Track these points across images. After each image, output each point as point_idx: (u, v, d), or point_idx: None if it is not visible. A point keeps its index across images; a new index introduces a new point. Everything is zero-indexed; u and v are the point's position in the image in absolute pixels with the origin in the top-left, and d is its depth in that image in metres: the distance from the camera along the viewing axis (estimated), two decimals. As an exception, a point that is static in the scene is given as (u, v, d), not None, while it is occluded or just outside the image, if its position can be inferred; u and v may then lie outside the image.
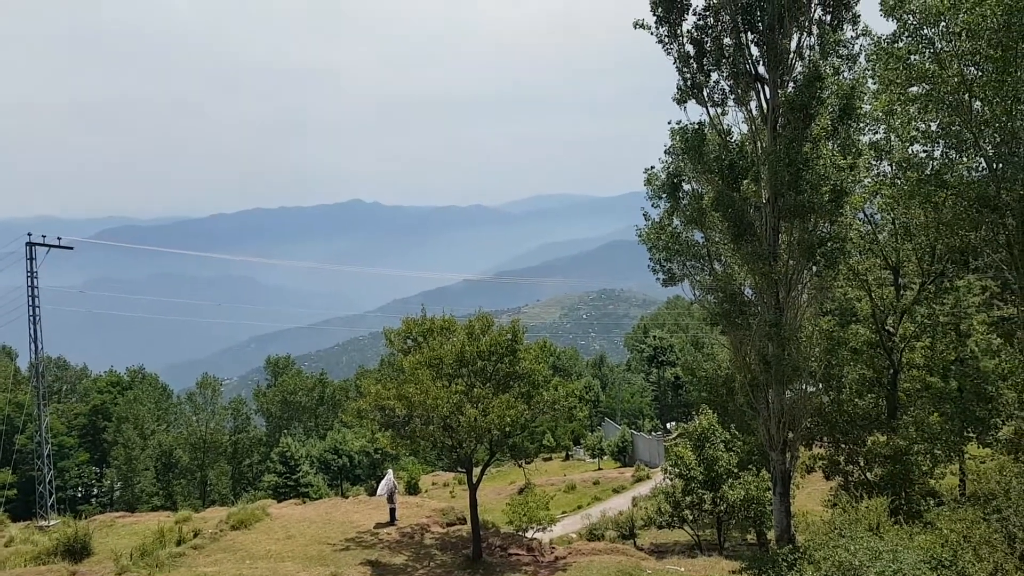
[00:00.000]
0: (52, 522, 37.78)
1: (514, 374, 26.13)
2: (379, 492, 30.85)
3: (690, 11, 22.25)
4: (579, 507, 47.18)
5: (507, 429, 25.02)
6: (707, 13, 22.13)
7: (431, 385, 24.60)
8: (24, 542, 29.02)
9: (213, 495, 71.21)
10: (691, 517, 31.16)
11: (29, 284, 45.20)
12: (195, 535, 27.74)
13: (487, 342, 26.08)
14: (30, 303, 45.41)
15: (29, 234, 45.09)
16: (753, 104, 22.62)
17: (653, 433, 72.92)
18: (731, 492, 29.55)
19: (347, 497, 46.15)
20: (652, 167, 25.02)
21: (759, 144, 22.43)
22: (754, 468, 30.39)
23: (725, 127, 23.06)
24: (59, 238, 45.75)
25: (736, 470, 30.40)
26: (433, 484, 64.87)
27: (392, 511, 29.51)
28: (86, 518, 32.78)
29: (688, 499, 30.71)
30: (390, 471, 32.48)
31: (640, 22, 22.31)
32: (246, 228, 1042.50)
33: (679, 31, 22.48)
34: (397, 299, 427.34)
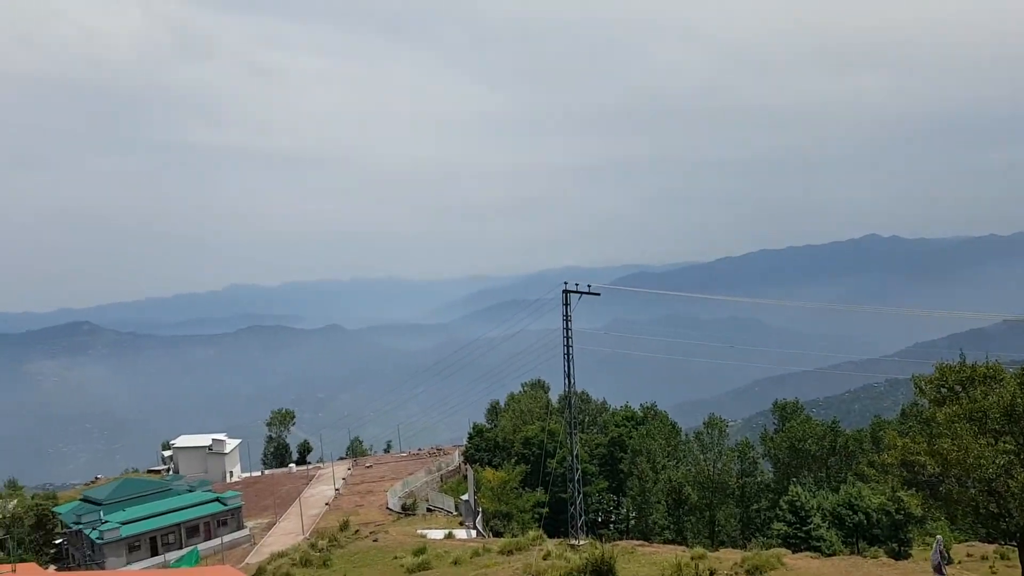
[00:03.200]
0: (581, 542, 41.94)
1: (1090, 436, 20.86)
2: (932, 560, 27.23)
3: None
4: None
5: (1079, 504, 20.02)
6: None
7: (972, 442, 21.12)
8: (558, 557, 32.76)
9: (722, 536, 71.91)
10: None
11: (565, 327, 51.75)
12: (711, 574, 27.95)
13: (1049, 395, 21.33)
14: (565, 342, 51.92)
15: (565, 283, 51.71)
16: None
17: None
18: None
19: (864, 557, 42.45)
20: None
21: None
22: None
23: None
24: (589, 285, 51.47)
25: None
26: (968, 555, 56.22)
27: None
28: (607, 542, 35.66)
29: None
30: (940, 537, 28.57)
31: None
32: (751, 270, 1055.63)
33: None
34: (920, 342, 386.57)
